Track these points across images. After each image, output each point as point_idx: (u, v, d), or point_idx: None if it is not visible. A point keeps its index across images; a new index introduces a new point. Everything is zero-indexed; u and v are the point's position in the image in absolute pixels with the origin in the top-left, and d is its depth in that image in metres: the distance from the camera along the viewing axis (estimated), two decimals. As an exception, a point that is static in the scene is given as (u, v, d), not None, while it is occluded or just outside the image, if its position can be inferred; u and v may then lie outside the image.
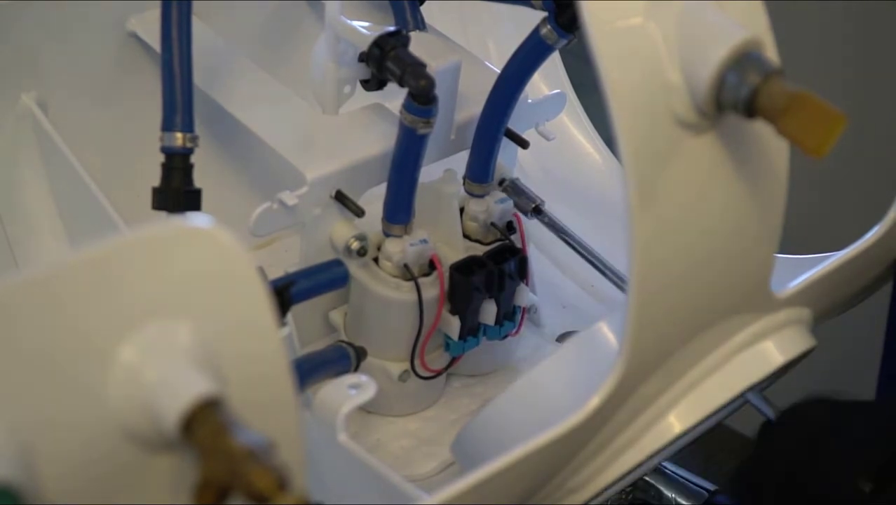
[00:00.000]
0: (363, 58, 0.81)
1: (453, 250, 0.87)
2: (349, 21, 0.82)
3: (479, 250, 0.88)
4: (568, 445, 0.61)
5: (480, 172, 0.88)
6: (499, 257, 0.87)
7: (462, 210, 0.89)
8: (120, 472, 0.48)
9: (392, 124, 0.84)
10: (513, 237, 0.89)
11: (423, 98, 0.77)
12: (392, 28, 0.80)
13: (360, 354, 0.83)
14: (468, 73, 0.87)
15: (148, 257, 0.48)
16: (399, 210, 0.84)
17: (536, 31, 0.82)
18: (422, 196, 0.85)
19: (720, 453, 1.25)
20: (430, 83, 0.77)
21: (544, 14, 0.81)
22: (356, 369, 0.82)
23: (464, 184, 0.89)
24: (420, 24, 0.93)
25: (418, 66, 0.78)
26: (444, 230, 0.87)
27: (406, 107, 0.79)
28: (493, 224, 0.89)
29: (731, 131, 0.58)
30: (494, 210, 0.88)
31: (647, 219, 0.57)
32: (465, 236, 0.88)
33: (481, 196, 0.89)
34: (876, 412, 0.73)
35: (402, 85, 0.78)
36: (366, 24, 0.82)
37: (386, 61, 0.79)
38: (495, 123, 0.86)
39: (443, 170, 0.88)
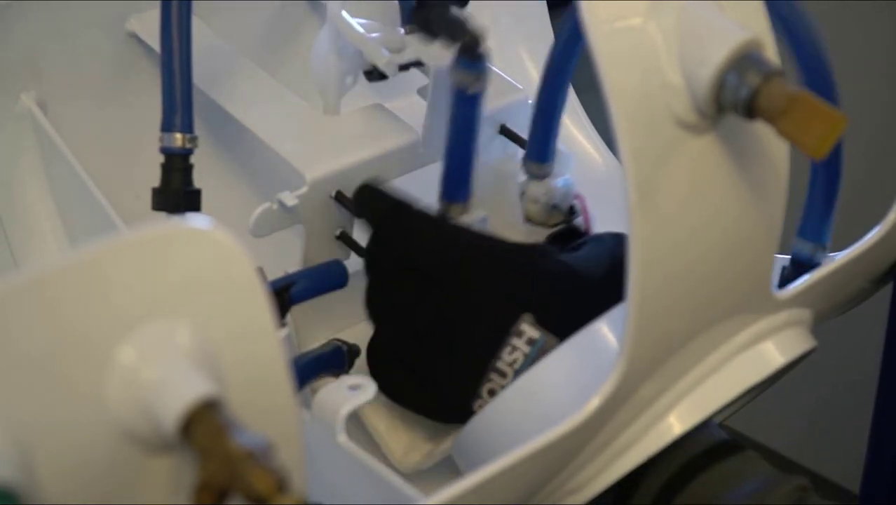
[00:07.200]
0: (409, 20, 0.79)
1: (515, 234, 0.83)
2: (350, 19, 0.82)
3: (542, 234, 0.84)
4: (568, 446, 0.61)
5: (541, 152, 0.84)
6: (562, 241, 0.83)
7: (522, 194, 0.86)
8: (119, 473, 0.48)
9: (392, 124, 0.84)
10: (577, 221, 0.85)
11: (473, 50, 0.76)
12: None
13: (354, 351, 0.82)
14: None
15: (147, 258, 0.48)
16: (458, 187, 0.80)
17: None
18: (480, 177, 0.82)
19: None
20: (480, 34, 0.76)
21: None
22: (350, 366, 0.82)
23: (523, 165, 0.86)
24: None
25: (463, 22, 0.76)
26: (505, 212, 0.84)
27: (456, 63, 0.77)
28: (554, 206, 0.85)
29: (731, 132, 0.58)
30: (556, 192, 0.85)
31: (647, 219, 0.57)
32: (527, 220, 0.86)
33: (542, 177, 0.85)
34: None
35: (452, 40, 0.77)
36: (364, 21, 0.82)
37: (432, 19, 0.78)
38: (553, 99, 0.82)
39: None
